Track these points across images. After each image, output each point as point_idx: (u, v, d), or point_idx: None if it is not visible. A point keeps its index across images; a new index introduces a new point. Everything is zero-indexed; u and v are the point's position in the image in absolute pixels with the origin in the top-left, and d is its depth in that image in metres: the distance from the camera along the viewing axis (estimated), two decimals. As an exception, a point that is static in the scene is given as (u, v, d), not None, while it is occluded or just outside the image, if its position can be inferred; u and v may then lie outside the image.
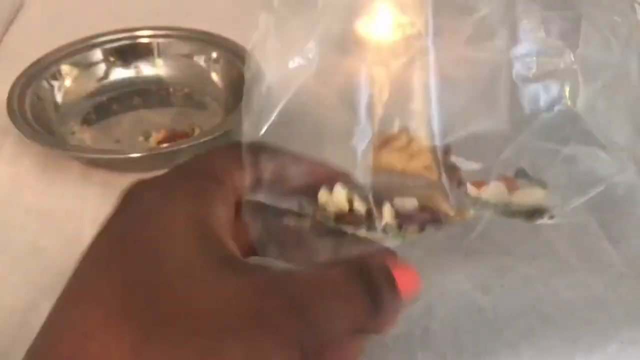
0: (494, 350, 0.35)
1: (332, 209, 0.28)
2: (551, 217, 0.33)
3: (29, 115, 0.48)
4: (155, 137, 0.50)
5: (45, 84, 0.52)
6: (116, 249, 0.23)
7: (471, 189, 0.30)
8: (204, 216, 0.23)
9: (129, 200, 0.24)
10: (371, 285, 0.23)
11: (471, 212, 0.31)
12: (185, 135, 0.50)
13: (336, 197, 0.28)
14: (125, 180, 0.46)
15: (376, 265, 0.24)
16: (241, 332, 0.20)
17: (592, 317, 0.37)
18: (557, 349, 0.36)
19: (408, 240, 0.30)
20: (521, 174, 0.32)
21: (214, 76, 0.55)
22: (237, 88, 0.52)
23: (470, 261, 0.40)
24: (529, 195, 0.31)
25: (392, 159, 0.30)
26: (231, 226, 0.24)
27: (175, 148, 0.45)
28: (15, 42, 0.62)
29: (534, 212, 0.32)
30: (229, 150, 0.26)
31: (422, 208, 0.30)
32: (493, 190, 0.31)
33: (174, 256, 0.21)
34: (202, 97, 0.55)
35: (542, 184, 0.32)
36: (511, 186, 0.31)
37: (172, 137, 0.50)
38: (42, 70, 0.52)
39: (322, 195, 0.28)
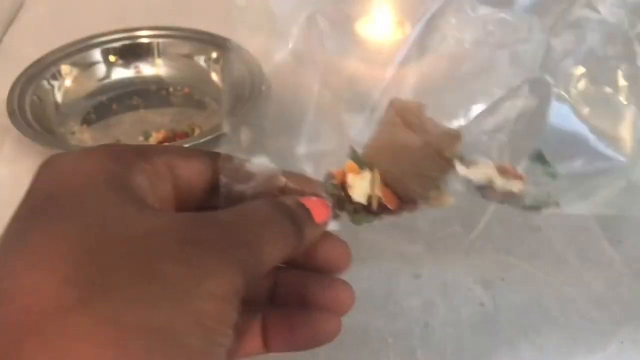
0: (494, 348, 0.35)
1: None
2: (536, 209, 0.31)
3: (29, 115, 0.48)
4: (155, 137, 0.50)
5: (45, 83, 0.52)
6: (38, 204, 0.23)
7: (461, 169, 0.30)
8: (123, 176, 0.23)
9: (46, 166, 0.24)
10: (293, 214, 0.25)
11: (452, 200, 0.31)
12: (185, 135, 0.50)
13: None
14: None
15: (291, 200, 0.26)
16: (177, 255, 0.20)
17: (592, 316, 0.37)
18: (557, 348, 0.36)
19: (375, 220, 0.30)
20: (537, 157, 0.31)
21: (214, 76, 0.55)
22: (237, 88, 0.52)
23: (471, 258, 0.40)
24: (511, 185, 0.30)
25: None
26: (159, 200, 0.24)
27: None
28: (15, 42, 0.62)
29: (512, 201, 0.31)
30: (187, 149, 0.27)
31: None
32: (480, 171, 0.30)
33: (98, 202, 0.21)
34: (202, 97, 0.55)
35: (552, 174, 0.31)
36: (509, 173, 0.30)
37: (172, 137, 0.50)
38: (42, 70, 0.52)
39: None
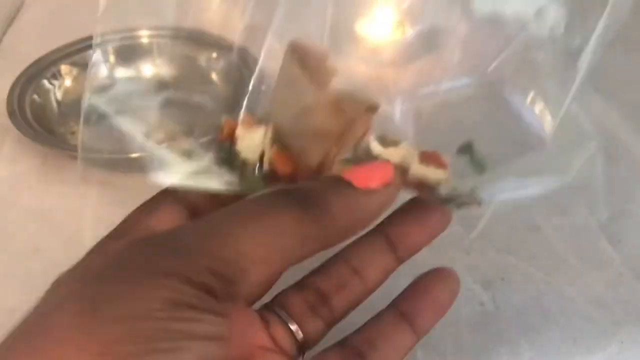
0: (494, 348, 0.35)
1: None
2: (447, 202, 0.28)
3: (28, 115, 0.48)
4: (155, 137, 0.50)
5: (45, 83, 0.52)
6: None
7: (375, 146, 0.26)
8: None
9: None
10: (296, 195, 0.22)
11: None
12: (185, 135, 0.50)
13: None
14: (125, 180, 0.46)
15: (304, 183, 0.24)
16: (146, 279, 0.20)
17: (592, 316, 0.37)
18: (557, 348, 0.36)
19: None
20: (466, 148, 0.29)
21: (214, 76, 0.55)
22: (237, 88, 0.52)
23: (471, 258, 0.40)
24: (429, 172, 0.26)
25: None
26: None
27: (175, 148, 0.45)
28: (15, 42, 0.62)
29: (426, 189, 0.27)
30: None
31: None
32: (397, 152, 0.26)
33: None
34: (202, 97, 0.55)
35: (480, 168, 0.29)
36: (430, 159, 0.27)
37: (172, 137, 0.50)
38: (42, 70, 0.52)
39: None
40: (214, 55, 0.55)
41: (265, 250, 0.21)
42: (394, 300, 0.29)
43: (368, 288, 0.29)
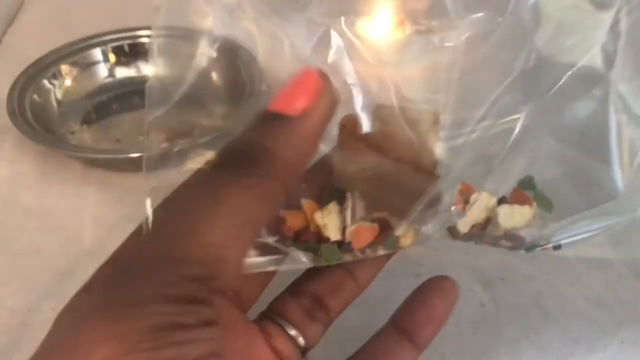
0: (494, 348, 0.35)
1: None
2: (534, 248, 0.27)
3: (29, 115, 0.48)
4: (155, 137, 0.50)
5: (45, 83, 0.52)
6: None
7: (457, 208, 0.25)
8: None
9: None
10: (236, 161, 0.21)
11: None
12: (185, 135, 0.50)
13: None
14: (125, 180, 0.46)
15: (236, 139, 0.22)
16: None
17: (592, 316, 0.37)
18: (557, 348, 0.36)
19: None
20: (527, 184, 0.27)
21: (214, 76, 0.55)
22: (237, 88, 0.52)
23: (471, 258, 0.40)
24: (516, 215, 0.25)
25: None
26: None
27: (175, 148, 0.45)
28: (15, 42, 0.62)
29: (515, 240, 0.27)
30: None
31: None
32: (480, 207, 0.26)
33: None
34: (202, 97, 0.55)
35: (548, 203, 0.27)
36: (516, 198, 0.26)
37: (172, 137, 0.50)
38: (42, 70, 0.52)
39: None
40: (214, 55, 0.55)
41: (232, 231, 0.20)
42: (392, 317, 0.29)
43: (362, 286, 0.29)
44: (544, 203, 0.27)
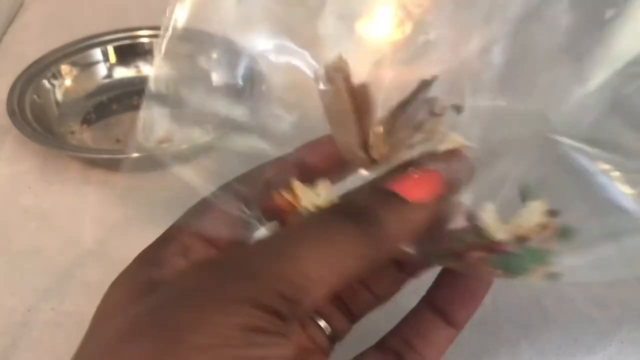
0: (494, 348, 0.35)
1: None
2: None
3: (28, 115, 0.48)
4: (155, 137, 0.50)
5: (45, 83, 0.52)
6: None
7: (489, 220, 0.24)
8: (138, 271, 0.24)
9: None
10: (353, 214, 0.22)
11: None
12: (186, 136, 0.50)
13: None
14: (125, 180, 0.46)
15: (353, 193, 0.24)
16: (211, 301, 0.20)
17: (593, 316, 0.37)
18: (557, 348, 0.36)
19: None
20: (527, 193, 0.26)
21: (214, 76, 0.55)
22: (237, 88, 0.52)
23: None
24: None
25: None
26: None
27: (175, 148, 0.45)
28: (15, 42, 0.62)
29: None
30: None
31: None
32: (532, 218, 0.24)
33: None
34: (202, 97, 0.55)
35: (564, 232, 0.25)
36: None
37: (171, 137, 0.50)
38: (42, 70, 0.52)
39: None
40: (214, 55, 0.55)
41: (327, 270, 0.21)
42: (427, 295, 0.28)
43: (377, 294, 0.29)
44: (562, 230, 0.25)
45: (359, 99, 0.26)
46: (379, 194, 0.23)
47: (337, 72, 0.26)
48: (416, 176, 0.23)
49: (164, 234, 0.26)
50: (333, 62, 0.27)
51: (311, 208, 0.25)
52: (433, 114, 0.26)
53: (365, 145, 0.26)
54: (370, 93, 0.26)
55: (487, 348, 0.36)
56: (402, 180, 0.23)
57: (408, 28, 0.48)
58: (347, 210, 0.23)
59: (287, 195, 0.26)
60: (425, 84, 0.26)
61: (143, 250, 0.25)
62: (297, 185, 0.26)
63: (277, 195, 0.26)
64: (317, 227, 0.22)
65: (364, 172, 0.27)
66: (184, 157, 0.36)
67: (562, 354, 0.35)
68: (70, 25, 0.63)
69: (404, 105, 0.26)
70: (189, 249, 0.25)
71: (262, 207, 0.26)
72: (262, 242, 0.23)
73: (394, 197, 0.23)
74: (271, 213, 0.26)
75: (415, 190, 0.23)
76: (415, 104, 0.26)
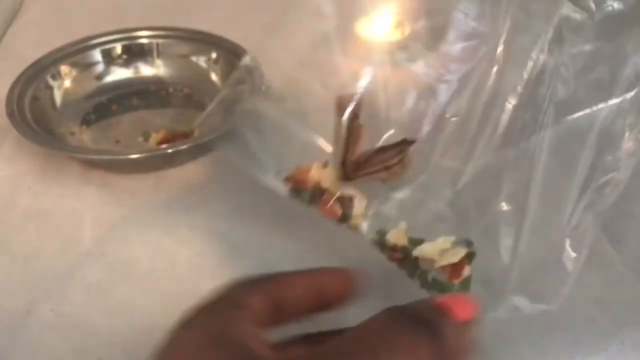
0: (494, 349, 0.35)
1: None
2: None
3: (28, 115, 0.48)
4: (154, 137, 0.50)
5: (44, 84, 0.52)
6: None
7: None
8: (221, 327, 0.24)
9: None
10: (422, 319, 0.23)
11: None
12: (185, 135, 0.50)
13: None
14: (125, 181, 0.46)
15: (419, 303, 0.25)
16: None
17: (593, 316, 0.37)
18: (558, 349, 0.36)
19: None
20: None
21: (214, 76, 0.55)
22: (237, 88, 0.52)
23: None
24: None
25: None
26: (262, 344, 0.24)
27: (174, 149, 0.45)
28: (15, 43, 0.62)
29: None
30: (247, 281, 0.27)
31: None
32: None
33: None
34: (202, 97, 0.55)
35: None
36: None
37: (171, 137, 0.50)
38: (41, 70, 0.52)
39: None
40: (214, 55, 0.55)
41: None
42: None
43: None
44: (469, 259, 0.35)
45: (353, 131, 0.37)
46: (437, 311, 0.24)
47: (344, 106, 0.37)
48: (462, 298, 0.25)
49: (230, 294, 0.26)
50: (343, 96, 0.37)
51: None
52: (401, 162, 0.37)
53: (342, 164, 0.37)
54: (363, 132, 0.37)
55: (487, 347, 0.36)
56: (454, 299, 0.25)
57: (408, 28, 0.48)
58: (418, 320, 0.23)
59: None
60: (406, 143, 0.37)
61: (210, 302, 0.26)
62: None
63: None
64: (391, 334, 0.22)
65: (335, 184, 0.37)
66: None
67: (563, 354, 0.35)
68: (70, 25, 0.63)
69: (382, 151, 0.37)
70: (256, 312, 0.25)
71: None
72: (339, 348, 0.23)
73: (451, 313, 0.24)
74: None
75: (465, 309, 0.24)
76: (391, 153, 0.37)
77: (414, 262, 0.35)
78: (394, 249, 0.35)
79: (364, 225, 0.36)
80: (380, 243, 0.36)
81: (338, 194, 0.36)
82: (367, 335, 0.23)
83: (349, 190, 0.37)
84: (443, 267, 0.35)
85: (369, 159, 0.37)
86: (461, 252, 0.35)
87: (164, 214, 0.44)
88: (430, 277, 0.35)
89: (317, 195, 0.37)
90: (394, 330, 0.23)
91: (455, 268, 0.35)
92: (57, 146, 0.47)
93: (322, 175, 0.37)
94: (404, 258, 0.35)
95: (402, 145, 0.37)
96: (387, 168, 0.37)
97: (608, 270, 0.40)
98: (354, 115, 0.37)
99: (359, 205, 0.36)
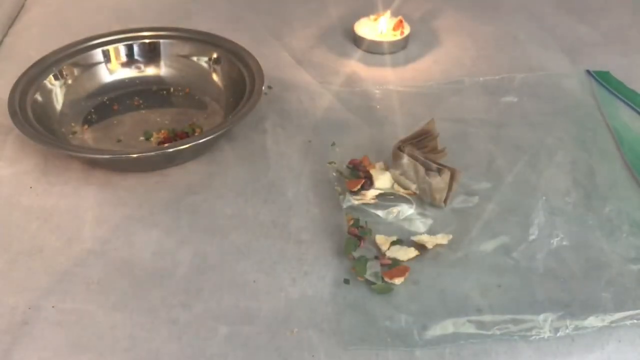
0: (492, 348, 0.36)
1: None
2: None
3: (30, 115, 0.48)
4: (156, 137, 0.50)
5: (46, 84, 0.52)
6: None
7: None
8: None
9: None
10: None
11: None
12: (186, 135, 0.50)
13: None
14: (126, 180, 0.46)
15: None
16: None
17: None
18: (556, 348, 0.36)
19: None
20: None
21: (214, 76, 0.55)
22: (237, 88, 0.52)
23: (470, 262, 0.40)
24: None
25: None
26: None
27: (175, 148, 0.45)
28: (17, 43, 0.62)
29: None
30: None
31: None
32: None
33: None
34: (203, 97, 0.55)
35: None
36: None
37: (172, 137, 0.50)
38: (43, 70, 0.52)
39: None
40: (214, 55, 0.55)
41: None
42: None
43: None
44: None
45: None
46: None
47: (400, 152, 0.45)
48: None
49: None
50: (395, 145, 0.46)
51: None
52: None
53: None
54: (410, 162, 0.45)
55: (486, 348, 0.36)
56: None
57: (408, 28, 0.48)
58: None
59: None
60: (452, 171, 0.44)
61: None
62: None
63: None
64: None
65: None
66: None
67: (561, 353, 0.36)
68: (72, 26, 0.63)
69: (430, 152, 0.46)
70: None
71: None
72: None
73: None
74: None
75: None
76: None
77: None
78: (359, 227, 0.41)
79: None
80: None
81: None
82: None
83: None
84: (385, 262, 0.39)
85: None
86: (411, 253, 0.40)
87: (165, 212, 0.44)
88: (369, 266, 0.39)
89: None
90: None
91: (399, 268, 0.39)
92: (59, 145, 0.47)
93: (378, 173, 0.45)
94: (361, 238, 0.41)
95: (447, 168, 0.44)
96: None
97: (608, 270, 0.40)
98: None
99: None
